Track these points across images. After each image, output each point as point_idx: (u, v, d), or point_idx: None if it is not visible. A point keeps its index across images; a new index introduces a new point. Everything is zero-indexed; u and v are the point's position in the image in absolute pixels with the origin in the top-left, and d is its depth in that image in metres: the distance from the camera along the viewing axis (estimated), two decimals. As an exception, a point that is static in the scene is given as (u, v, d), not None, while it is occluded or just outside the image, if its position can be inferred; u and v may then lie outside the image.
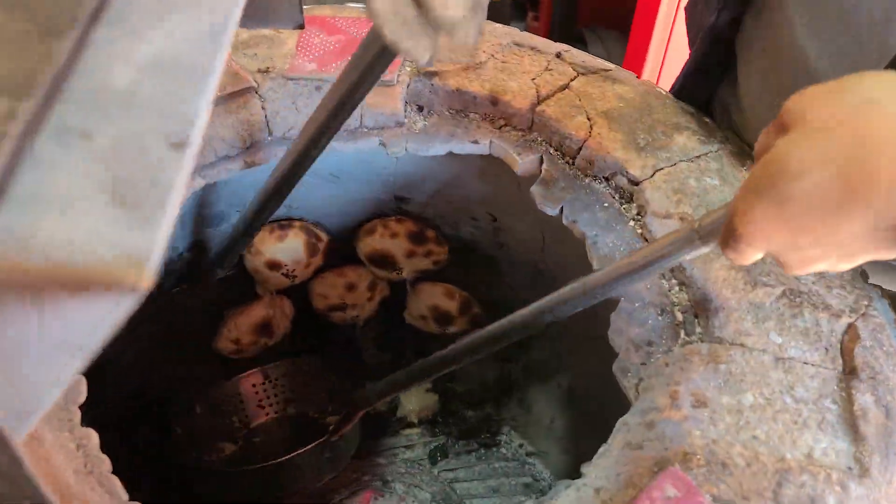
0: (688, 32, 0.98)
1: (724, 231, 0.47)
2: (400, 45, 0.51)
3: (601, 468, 0.61)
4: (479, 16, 0.52)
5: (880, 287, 0.73)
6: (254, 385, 1.36)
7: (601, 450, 0.63)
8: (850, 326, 0.69)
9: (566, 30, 2.28)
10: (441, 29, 0.50)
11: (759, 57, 0.80)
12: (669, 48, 2.03)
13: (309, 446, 1.12)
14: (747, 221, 0.44)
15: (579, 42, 2.25)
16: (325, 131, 0.74)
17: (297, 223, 1.16)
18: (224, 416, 1.34)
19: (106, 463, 0.58)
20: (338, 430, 1.10)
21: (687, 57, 0.96)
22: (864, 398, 0.64)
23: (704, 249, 0.51)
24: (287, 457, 1.13)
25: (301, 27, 0.80)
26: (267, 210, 0.88)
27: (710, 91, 0.93)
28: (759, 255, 0.47)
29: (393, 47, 0.52)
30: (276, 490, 1.18)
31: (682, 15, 1.99)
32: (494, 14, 0.72)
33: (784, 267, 0.47)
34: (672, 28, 2.00)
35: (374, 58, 0.64)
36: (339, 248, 1.24)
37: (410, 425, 1.51)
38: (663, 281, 0.75)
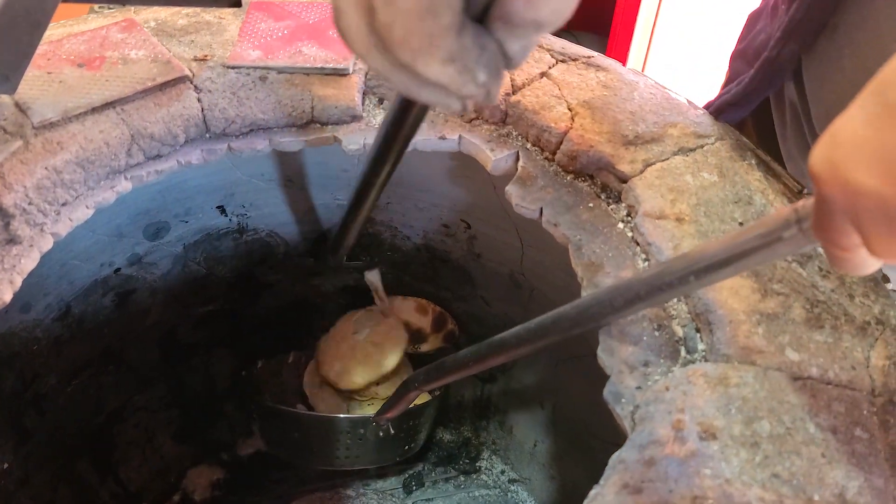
0: (739, 41, 0.86)
1: (814, 199, 0.34)
2: (414, 96, 0.39)
3: (593, 517, 0.50)
4: (484, 73, 0.37)
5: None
6: None
7: (593, 493, 0.53)
8: (878, 340, 0.59)
9: (543, 32, 2.21)
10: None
11: (835, 78, 0.68)
12: (651, 49, 1.96)
13: (349, 416, 1.13)
14: (827, 158, 0.31)
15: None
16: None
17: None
18: None
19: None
20: (384, 413, 1.04)
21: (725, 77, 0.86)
22: (900, 425, 0.54)
23: (805, 244, 0.37)
24: (323, 414, 1.14)
25: (237, 5, 0.70)
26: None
27: (749, 111, 0.82)
28: (859, 245, 0.33)
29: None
30: (307, 452, 1.15)
31: (664, 15, 1.92)
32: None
33: (876, 250, 0.32)
34: (653, 28, 1.93)
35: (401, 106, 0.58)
36: (298, 257, 1.14)
37: (383, 452, 1.40)
38: (659, 290, 0.65)
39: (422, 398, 1.15)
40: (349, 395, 1.19)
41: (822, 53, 0.69)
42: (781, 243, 0.39)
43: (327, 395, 1.20)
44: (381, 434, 1.11)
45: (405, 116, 0.61)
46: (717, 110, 0.79)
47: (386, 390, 1.17)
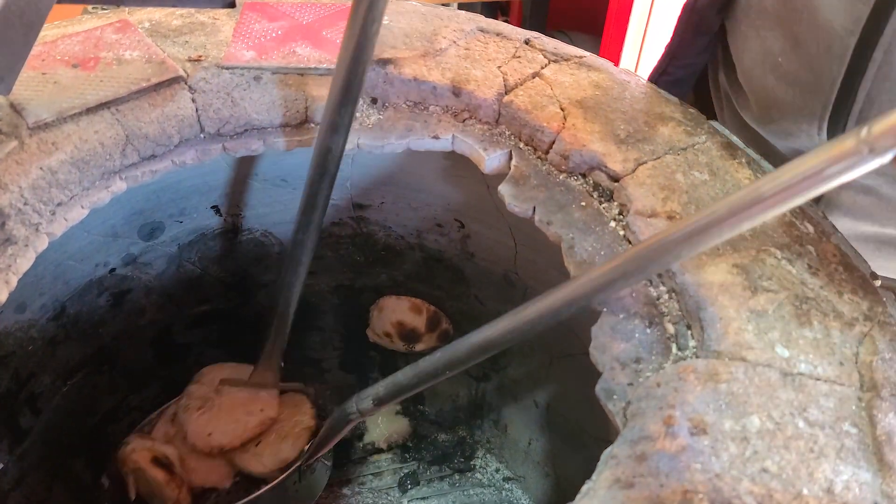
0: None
1: None
2: None
3: (586, 513, 0.51)
4: None
5: (894, 291, 0.65)
6: None
7: (585, 488, 0.54)
8: (866, 336, 0.60)
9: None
10: None
11: (749, 34, 0.72)
12: (644, 49, 1.97)
13: (283, 476, 1.01)
14: None
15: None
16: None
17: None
18: None
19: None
20: (313, 454, 1.00)
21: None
22: (887, 420, 0.55)
23: (873, 164, 0.38)
24: (258, 492, 1.01)
25: (231, 6, 0.71)
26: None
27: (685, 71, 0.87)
28: None
29: None
30: None
31: (655, 15, 1.93)
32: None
33: None
34: (646, 29, 1.93)
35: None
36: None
37: (378, 451, 1.41)
38: (650, 288, 0.66)
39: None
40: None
41: (740, 14, 0.75)
42: (846, 168, 0.39)
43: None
44: (316, 470, 1.06)
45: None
46: (657, 69, 0.85)
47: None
